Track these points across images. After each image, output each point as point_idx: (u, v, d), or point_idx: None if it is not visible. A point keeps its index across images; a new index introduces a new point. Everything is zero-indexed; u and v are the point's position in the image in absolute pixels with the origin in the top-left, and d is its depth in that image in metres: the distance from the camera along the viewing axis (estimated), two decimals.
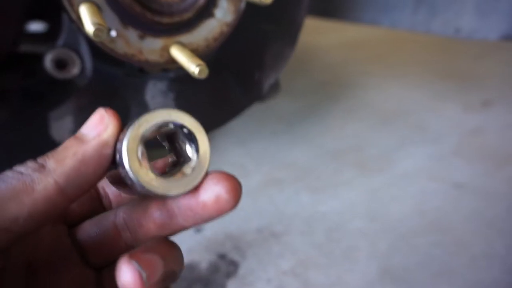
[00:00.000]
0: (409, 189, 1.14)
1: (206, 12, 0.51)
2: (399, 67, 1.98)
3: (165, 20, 0.47)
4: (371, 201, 1.09)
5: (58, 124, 0.58)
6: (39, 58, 0.82)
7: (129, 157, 0.23)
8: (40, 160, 0.26)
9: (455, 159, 1.29)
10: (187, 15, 0.47)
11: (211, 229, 0.98)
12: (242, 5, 0.54)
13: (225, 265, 0.89)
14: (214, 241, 0.95)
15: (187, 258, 0.90)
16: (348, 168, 1.25)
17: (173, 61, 0.51)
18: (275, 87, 0.72)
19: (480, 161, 1.27)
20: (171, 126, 0.25)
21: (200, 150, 0.26)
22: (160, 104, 0.64)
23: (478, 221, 1.01)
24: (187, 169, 0.25)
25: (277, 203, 1.09)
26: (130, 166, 0.23)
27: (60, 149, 0.26)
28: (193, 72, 0.43)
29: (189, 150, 0.26)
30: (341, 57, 2.11)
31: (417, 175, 1.21)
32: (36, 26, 1.03)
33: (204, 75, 0.43)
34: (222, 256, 0.91)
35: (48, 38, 1.02)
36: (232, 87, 0.67)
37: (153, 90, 0.62)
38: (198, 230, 0.98)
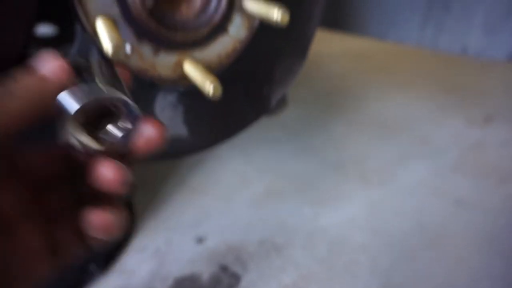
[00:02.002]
0: (410, 204, 1.14)
1: (220, 28, 0.51)
2: (402, 79, 1.99)
3: (180, 36, 0.47)
4: (372, 215, 1.09)
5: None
6: None
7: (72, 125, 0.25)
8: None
9: (456, 174, 1.29)
10: (201, 32, 0.47)
11: (213, 240, 0.98)
12: (256, 22, 0.54)
13: (227, 277, 0.88)
14: (216, 252, 0.94)
15: (188, 270, 0.90)
16: (349, 181, 1.25)
17: (185, 77, 0.51)
18: (282, 102, 0.72)
19: (481, 177, 1.28)
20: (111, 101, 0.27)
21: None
22: (169, 117, 0.64)
23: (479, 238, 1.01)
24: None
25: (279, 214, 1.09)
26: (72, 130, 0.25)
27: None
28: (207, 92, 0.43)
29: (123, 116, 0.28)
30: (345, 68, 2.12)
31: (418, 190, 1.21)
32: (45, 29, 1.02)
33: (218, 93, 0.43)
34: (224, 268, 0.90)
35: (58, 42, 1.02)
36: (240, 102, 0.67)
37: (163, 103, 0.62)
38: (200, 241, 0.98)
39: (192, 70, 0.49)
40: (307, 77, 1.95)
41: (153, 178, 1.23)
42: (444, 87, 1.88)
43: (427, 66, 2.11)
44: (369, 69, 2.10)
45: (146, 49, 0.49)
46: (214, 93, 0.43)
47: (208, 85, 0.43)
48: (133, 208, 1.08)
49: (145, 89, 0.60)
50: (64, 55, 0.44)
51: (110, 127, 0.28)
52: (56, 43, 1.02)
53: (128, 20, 0.46)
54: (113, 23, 0.43)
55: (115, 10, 0.45)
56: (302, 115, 1.67)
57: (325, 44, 2.17)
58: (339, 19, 1.03)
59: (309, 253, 0.95)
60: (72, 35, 0.95)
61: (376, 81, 1.96)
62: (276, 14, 0.44)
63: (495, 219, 1.08)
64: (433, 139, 1.49)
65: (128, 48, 0.47)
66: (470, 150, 1.43)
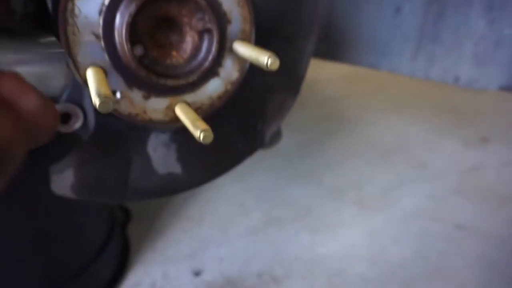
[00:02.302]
0: (410, 231, 1.13)
1: (211, 72, 0.51)
2: (397, 101, 2.00)
3: (170, 82, 0.47)
4: (371, 243, 1.08)
5: (59, 177, 0.58)
6: None
7: None
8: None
9: (456, 198, 1.28)
10: (192, 77, 0.47)
11: (210, 272, 0.96)
12: (247, 64, 0.54)
13: None
14: (214, 286, 0.92)
15: None
16: (347, 207, 1.24)
17: (177, 119, 0.51)
18: (277, 135, 0.72)
19: (480, 200, 1.27)
20: None
21: None
22: (162, 155, 0.63)
23: (482, 266, 0.99)
24: None
25: (276, 244, 1.07)
26: None
27: None
28: (198, 138, 0.43)
29: None
30: (340, 91, 2.14)
31: (417, 215, 1.20)
32: None
33: (209, 140, 0.43)
34: None
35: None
36: (234, 138, 0.67)
37: (156, 142, 0.62)
38: (197, 274, 0.96)
39: (183, 115, 0.49)
40: (302, 102, 1.96)
41: (148, 208, 1.22)
42: (439, 109, 1.89)
43: (421, 89, 2.13)
44: (364, 93, 2.11)
45: (137, 95, 0.49)
46: (205, 140, 0.43)
47: (198, 133, 0.43)
48: (128, 240, 1.06)
49: (137, 129, 0.60)
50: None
51: None
52: None
53: (118, 69, 0.46)
54: (103, 74, 0.44)
55: (105, 60, 0.45)
56: (298, 140, 1.67)
57: (320, 68, 2.19)
58: (332, 50, 1.04)
59: (309, 285, 0.93)
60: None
61: (371, 104, 1.97)
62: (266, 60, 0.44)
63: (497, 245, 1.07)
64: (430, 163, 1.49)
65: (118, 95, 0.47)
66: (468, 173, 1.42)
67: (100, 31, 0.43)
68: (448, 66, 0.84)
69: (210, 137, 0.43)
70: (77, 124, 0.58)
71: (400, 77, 2.29)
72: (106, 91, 0.38)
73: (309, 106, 1.95)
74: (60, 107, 0.57)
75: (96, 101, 0.37)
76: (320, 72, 2.25)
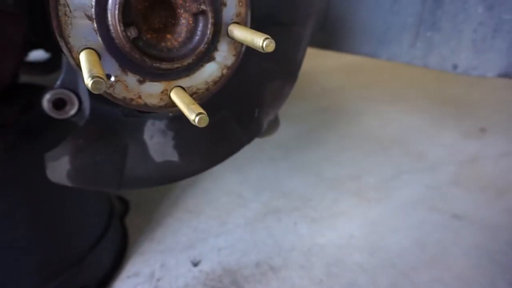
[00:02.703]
0: (408, 220, 1.13)
1: (206, 56, 0.51)
2: (396, 93, 1.99)
3: (165, 65, 0.46)
4: (370, 233, 1.08)
5: (55, 164, 0.57)
6: (37, 93, 0.82)
7: None
8: None
9: (454, 188, 1.28)
10: (187, 61, 0.47)
11: (208, 263, 0.96)
12: (243, 47, 0.53)
13: None
14: (212, 275, 0.92)
15: None
16: (346, 197, 1.24)
17: (173, 104, 0.51)
18: (274, 123, 0.71)
19: (478, 190, 1.27)
20: None
21: None
22: (159, 143, 0.63)
23: (479, 255, 0.99)
24: None
25: (275, 234, 1.07)
26: None
27: None
28: (194, 121, 0.42)
29: None
30: (339, 83, 2.13)
31: (416, 205, 1.20)
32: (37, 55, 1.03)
33: (205, 124, 0.43)
34: None
35: (49, 67, 1.02)
36: (231, 125, 0.66)
37: (152, 129, 0.62)
38: (195, 264, 0.96)
39: (178, 99, 0.48)
40: (301, 93, 1.96)
41: (146, 199, 1.22)
42: (437, 100, 1.89)
43: (420, 79, 2.13)
44: (363, 84, 2.11)
45: (131, 79, 0.48)
46: (200, 123, 0.42)
47: (194, 116, 0.42)
48: (126, 230, 1.06)
49: (133, 116, 0.60)
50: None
51: None
52: (46, 68, 1.02)
53: (111, 51, 0.45)
54: (96, 56, 0.43)
55: (98, 42, 0.44)
56: (296, 131, 1.67)
57: (319, 59, 2.18)
58: (330, 39, 1.03)
59: (307, 275, 0.93)
60: (59, 62, 0.95)
61: (370, 95, 1.97)
62: (261, 42, 0.44)
63: (494, 235, 1.07)
64: (429, 153, 1.48)
65: (112, 78, 0.47)
66: (466, 163, 1.42)
67: (92, 12, 0.43)
68: (446, 54, 0.84)
69: (206, 120, 0.43)
70: (72, 110, 0.57)
71: (399, 69, 2.28)
72: (99, 71, 0.37)
73: (308, 98, 1.95)
74: (54, 93, 0.56)
75: (88, 81, 0.36)
76: (319, 64, 2.24)
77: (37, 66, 0.98)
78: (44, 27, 0.93)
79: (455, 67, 0.82)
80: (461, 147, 1.52)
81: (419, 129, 1.67)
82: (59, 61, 0.95)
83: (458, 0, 0.77)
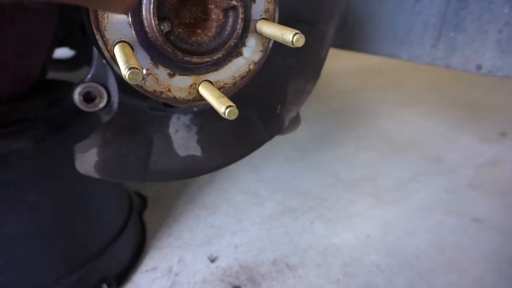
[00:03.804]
0: (425, 223, 1.12)
1: (234, 51, 0.51)
2: (413, 95, 1.98)
3: (195, 59, 0.47)
4: (386, 234, 1.07)
5: (83, 156, 0.59)
6: (64, 88, 0.84)
7: None
8: None
9: (472, 192, 1.27)
10: (216, 55, 0.48)
11: (225, 259, 0.97)
12: (270, 44, 0.54)
13: None
14: (229, 272, 0.93)
15: None
16: (362, 199, 1.24)
17: (200, 98, 0.52)
18: (295, 121, 0.72)
19: (498, 194, 1.25)
20: None
21: None
22: (183, 137, 0.64)
23: (499, 259, 0.98)
24: None
25: (291, 233, 1.07)
26: None
27: None
28: (223, 113, 0.43)
29: None
30: (354, 84, 2.12)
31: (433, 208, 1.18)
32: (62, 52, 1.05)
33: (234, 116, 0.43)
34: None
35: (73, 64, 1.05)
36: (253, 121, 0.67)
37: (177, 123, 0.63)
38: (212, 260, 0.97)
39: (207, 93, 0.49)
40: (318, 94, 1.96)
41: (164, 196, 1.23)
42: (456, 103, 1.86)
43: (438, 81, 2.10)
44: (379, 85, 2.09)
45: (162, 72, 0.49)
46: (230, 115, 0.43)
47: (224, 109, 0.43)
48: (145, 226, 1.07)
49: (160, 110, 0.61)
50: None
51: None
52: (71, 65, 1.05)
53: (144, 45, 0.46)
54: (130, 48, 0.44)
55: (132, 36, 0.45)
56: (312, 132, 1.67)
57: (335, 61, 2.18)
58: (350, 39, 1.03)
59: (324, 274, 0.93)
60: (86, 58, 0.97)
61: (386, 97, 1.95)
62: (292, 36, 0.44)
63: None
64: (447, 156, 1.47)
65: (144, 71, 0.48)
66: (485, 167, 1.40)
67: None
68: (470, 54, 0.83)
69: (235, 112, 0.43)
70: (101, 103, 0.59)
71: (415, 72, 2.26)
72: (135, 62, 0.39)
73: (324, 99, 1.95)
74: (85, 86, 0.58)
75: (125, 72, 0.37)
76: (334, 65, 2.24)
77: (63, 63, 1.01)
78: (70, 24, 0.95)
79: (479, 67, 0.81)
80: (480, 150, 1.50)
81: (437, 132, 1.65)
82: (83, 58, 0.97)
83: (483, 1, 0.76)
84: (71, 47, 1.03)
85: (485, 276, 0.93)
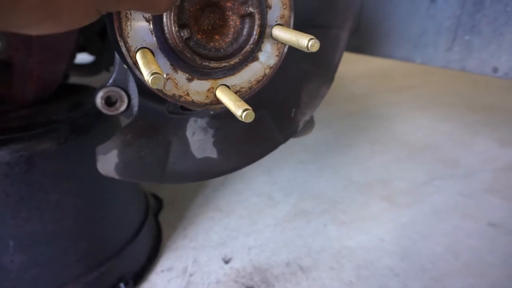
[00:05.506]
0: (440, 227, 1.11)
1: (251, 56, 0.53)
2: (427, 98, 1.96)
3: (213, 64, 0.49)
4: (400, 237, 1.07)
5: (104, 158, 0.61)
6: (88, 92, 0.87)
7: None
8: None
9: (489, 196, 1.25)
10: (233, 60, 0.49)
11: (239, 261, 0.98)
12: (285, 48, 0.56)
13: None
14: (243, 273, 0.94)
15: None
16: (375, 202, 1.23)
17: (217, 102, 0.53)
18: (309, 124, 0.73)
19: None
20: None
21: None
22: (199, 140, 0.66)
23: None
24: None
25: (304, 235, 1.08)
26: None
27: None
28: (240, 117, 0.45)
29: None
30: (367, 88, 2.11)
31: (448, 212, 1.18)
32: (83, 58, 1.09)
33: (251, 119, 0.45)
34: None
35: (93, 69, 1.08)
36: (268, 124, 0.68)
37: (194, 126, 0.64)
38: (227, 262, 0.98)
39: (224, 97, 0.51)
40: (331, 97, 1.96)
41: (179, 198, 1.25)
42: (471, 106, 1.84)
43: (454, 85, 2.08)
44: (393, 88, 2.08)
45: (181, 77, 0.51)
46: (247, 118, 0.45)
47: (241, 112, 0.45)
48: (160, 227, 1.10)
49: (177, 114, 0.63)
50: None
51: None
52: (91, 70, 1.08)
53: (164, 51, 0.48)
54: (152, 54, 0.46)
55: (153, 42, 0.47)
56: (325, 135, 1.67)
57: (349, 64, 2.18)
58: (363, 43, 1.04)
59: (337, 276, 0.93)
60: (104, 63, 1.00)
61: (400, 101, 1.94)
62: (307, 42, 0.46)
63: None
64: (462, 160, 1.45)
65: (164, 76, 0.50)
66: (502, 171, 1.38)
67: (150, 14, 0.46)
68: (486, 57, 0.83)
69: (252, 115, 0.45)
70: (122, 107, 0.61)
71: (428, 75, 2.24)
72: (157, 67, 0.40)
73: (337, 102, 1.95)
74: (106, 90, 0.60)
75: (148, 77, 0.39)
76: (347, 69, 2.23)
77: (83, 68, 1.04)
78: (90, 31, 0.98)
79: (495, 70, 0.81)
80: (496, 154, 1.48)
81: (452, 135, 1.64)
82: (102, 64, 1.00)
83: (499, 3, 0.76)
84: (90, 53, 1.07)
85: (502, 280, 0.92)
